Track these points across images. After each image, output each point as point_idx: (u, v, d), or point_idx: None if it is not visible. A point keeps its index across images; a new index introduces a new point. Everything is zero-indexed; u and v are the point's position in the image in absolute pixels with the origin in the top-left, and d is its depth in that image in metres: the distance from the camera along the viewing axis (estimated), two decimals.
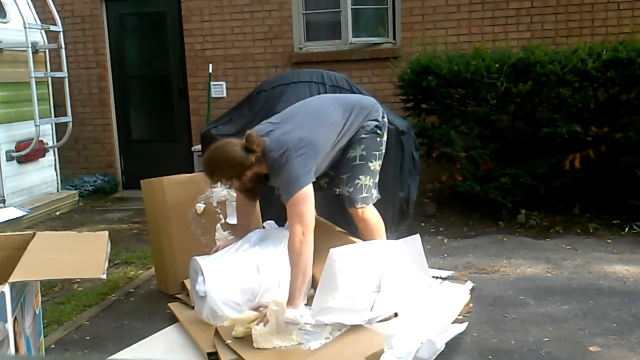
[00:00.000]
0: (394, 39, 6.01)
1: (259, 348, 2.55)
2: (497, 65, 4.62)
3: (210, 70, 6.16)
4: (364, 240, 3.14)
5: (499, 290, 3.34)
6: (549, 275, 3.59)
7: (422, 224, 4.75)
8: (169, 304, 3.17)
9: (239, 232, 3.28)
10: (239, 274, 2.89)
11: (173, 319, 3.09)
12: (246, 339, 2.60)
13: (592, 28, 5.51)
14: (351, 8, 5.96)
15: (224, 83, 6.31)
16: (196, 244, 3.38)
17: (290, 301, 2.64)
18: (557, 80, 4.48)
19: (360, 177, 3.09)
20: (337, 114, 3.03)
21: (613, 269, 3.61)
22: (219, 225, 3.50)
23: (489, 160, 4.80)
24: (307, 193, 2.75)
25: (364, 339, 2.64)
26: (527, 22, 5.63)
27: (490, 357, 2.59)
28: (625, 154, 4.47)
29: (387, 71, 5.50)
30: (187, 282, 3.20)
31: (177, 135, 6.64)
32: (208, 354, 2.61)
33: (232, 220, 3.50)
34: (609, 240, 4.18)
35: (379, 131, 3.12)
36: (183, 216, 3.39)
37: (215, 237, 3.46)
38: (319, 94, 3.87)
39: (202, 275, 2.84)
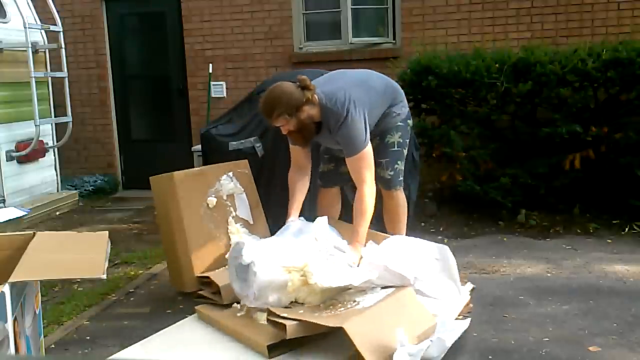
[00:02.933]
0: (394, 39, 6.01)
1: (313, 309, 2.68)
2: (497, 65, 4.61)
3: (210, 70, 6.16)
4: (388, 219, 3.49)
5: (499, 290, 3.34)
6: (549, 275, 3.58)
7: (422, 224, 4.75)
8: (197, 307, 3.08)
9: (290, 210, 3.27)
10: (282, 252, 2.91)
11: (173, 319, 3.09)
12: (297, 312, 2.68)
13: (592, 28, 5.50)
14: (351, 8, 5.96)
15: (224, 83, 6.31)
16: (210, 238, 3.36)
17: (356, 240, 3.05)
18: (557, 80, 4.48)
19: (398, 162, 3.39)
20: (379, 83, 3.30)
21: (613, 269, 3.61)
22: (230, 218, 3.47)
23: (489, 160, 4.80)
24: (370, 151, 3.12)
25: (414, 311, 2.75)
26: (527, 22, 5.62)
27: (490, 357, 2.59)
28: (625, 154, 4.46)
29: (387, 71, 5.47)
30: (213, 277, 3.12)
31: (177, 135, 6.64)
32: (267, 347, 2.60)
33: (242, 213, 3.50)
34: (609, 240, 4.18)
35: (408, 120, 3.43)
36: (195, 210, 3.36)
37: (228, 231, 3.44)
38: None
39: (245, 250, 2.83)
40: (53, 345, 2.90)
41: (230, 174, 3.52)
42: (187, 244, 3.29)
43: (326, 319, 2.59)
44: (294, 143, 3.25)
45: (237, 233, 3.44)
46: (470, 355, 2.60)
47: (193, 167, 5.50)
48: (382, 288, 2.84)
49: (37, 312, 2.34)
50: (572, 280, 3.47)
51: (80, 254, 2.23)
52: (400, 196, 3.48)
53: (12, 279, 1.95)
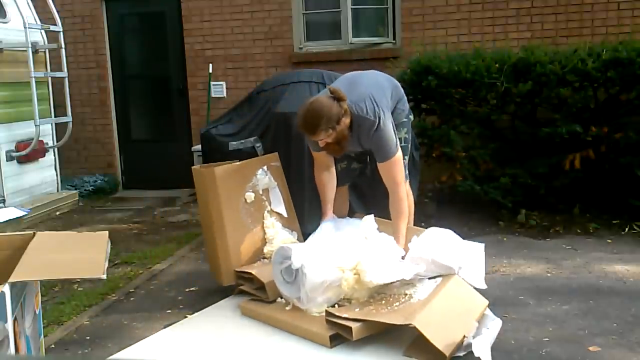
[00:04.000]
0: (394, 39, 6.01)
1: (369, 308, 2.71)
2: (497, 65, 4.61)
3: (210, 70, 6.16)
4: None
5: (499, 290, 3.34)
6: (549, 275, 3.59)
7: (422, 224, 4.71)
8: (240, 304, 3.10)
9: (326, 209, 3.36)
10: (331, 252, 2.93)
11: (173, 319, 3.09)
12: (354, 311, 2.71)
13: (592, 28, 5.50)
14: (351, 8, 5.96)
15: (224, 83, 6.31)
16: (247, 232, 3.38)
17: (399, 240, 3.11)
18: (557, 80, 4.48)
19: (405, 157, 3.43)
20: (387, 83, 3.37)
21: (613, 269, 3.61)
22: (266, 212, 3.49)
23: (489, 160, 4.79)
24: (401, 153, 3.21)
25: (467, 297, 2.83)
26: (527, 22, 5.62)
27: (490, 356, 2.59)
28: (625, 154, 4.46)
29: (387, 71, 5.46)
30: (256, 273, 3.13)
31: (177, 135, 6.64)
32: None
33: (277, 207, 3.53)
34: (609, 240, 4.18)
35: (410, 115, 3.52)
36: (234, 206, 3.37)
37: (264, 225, 3.46)
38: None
39: (294, 254, 2.83)
40: (53, 345, 2.90)
41: (265, 167, 3.55)
42: (227, 239, 3.31)
43: (389, 317, 2.62)
44: (329, 153, 3.27)
45: (273, 227, 3.47)
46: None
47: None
48: (430, 278, 2.91)
49: (37, 312, 2.34)
50: (572, 280, 3.47)
51: (80, 254, 2.23)
52: (407, 189, 3.57)
53: (12, 279, 1.95)
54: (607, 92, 4.67)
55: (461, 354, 2.54)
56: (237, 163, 3.54)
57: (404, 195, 3.19)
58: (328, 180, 3.37)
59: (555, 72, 4.46)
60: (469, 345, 2.53)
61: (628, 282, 3.41)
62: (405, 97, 3.50)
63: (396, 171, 3.16)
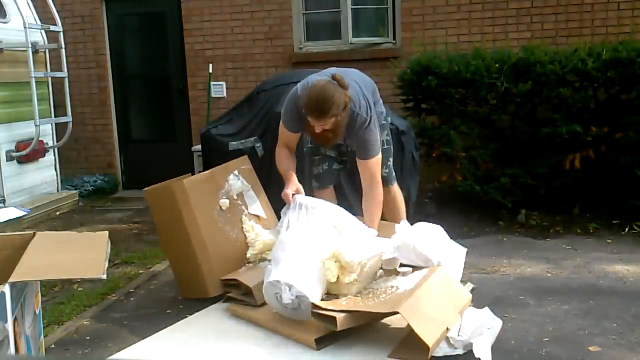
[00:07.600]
0: (394, 39, 6.01)
1: (358, 298, 2.71)
2: (497, 65, 4.62)
3: (210, 70, 6.16)
4: (389, 214, 3.55)
5: (499, 290, 3.34)
6: (549, 275, 3.59)
7: None
8: (228, 307, 3.09)
9: (289, 175, 3.28)
10: (313, 252, 2.87)
11: (173, 319, 3.09)
12: (340, 304, 2.68)
13: (592, 28, 5.51)
14: (351, 8, 5.96)
15: (224, 83, 6.31)
16: (227, 240, 3.35)
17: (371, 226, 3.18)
18: (557, 80, 4.48)
19: (390, 159, 3.57)
20: (367, 80, 3.41)
21: (613, 269, 3.61)
22: (243, 216, 3.46)
23: (489, 160, 4.80)
24: (380, 156, 3.28)
25: (452, 288, 2.83)
26: (527, 22, 5.62)
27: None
28: (625, 154, 4.46)
29: (387, 71, 5.50)
30: (242, 279, 3.10)
31: (177, 135, 6.64)
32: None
33: (254, 209, 3.50)
34: (609, 240, 4.18)
35: (388, 117, 3.60)
36: (210, 215, 3.32)
37: (244, 230, 3.43)
38: None
39: (291, 286, 2.73)
40: (53, 345, 2.90)
41: (236, 172, 3.52)
42: (207, 250, 3.26)
43: (375, 307, 2.59)
44: (320, 142, 3.31)
45: (252, 230, 3.44)
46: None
47: (193, 167, 5.53)
48: (415, 271, 2.90)
49: (37, 312, 2.34)
50: (572, 280, 3.47)
51: (80, 254, 2.23)
52: (397, 190, 3.64)
53: (12, 279, 1.95)
54: (607, 92, 4.67)
55: (461, 353, 2.54)
56: (205, 172, 3.51)
57: (380, 196, 3.25)
58: (287, 156, 3.34)
59: (555, 72, 4.46)
60: (469, 345, 2.53)
61: (628, 282, 3.41)
62: (381, 100, 3.51)
63: (376, 170, 3.25)
